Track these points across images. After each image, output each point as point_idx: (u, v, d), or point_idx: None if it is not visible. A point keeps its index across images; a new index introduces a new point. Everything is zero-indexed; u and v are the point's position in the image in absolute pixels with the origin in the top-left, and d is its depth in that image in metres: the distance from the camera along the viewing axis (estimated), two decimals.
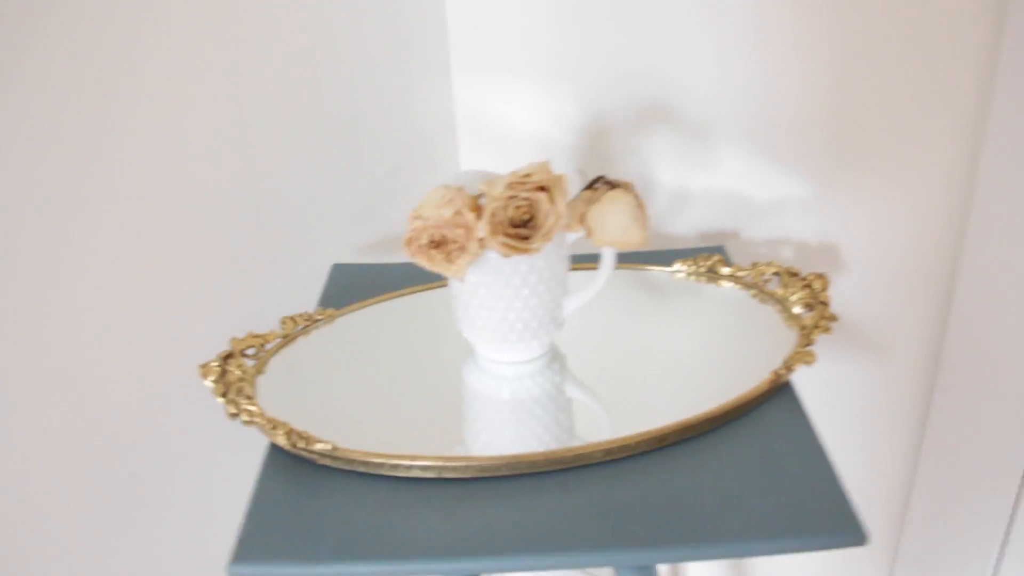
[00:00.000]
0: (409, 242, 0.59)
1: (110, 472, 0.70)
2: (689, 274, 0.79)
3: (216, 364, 0.66)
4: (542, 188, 0.56)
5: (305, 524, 0.57)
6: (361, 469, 0.60)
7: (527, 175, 0.57)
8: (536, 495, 0.58)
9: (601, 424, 0.65)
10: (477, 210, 0.58)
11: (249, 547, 0.55)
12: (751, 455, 0.59)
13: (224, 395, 0.64)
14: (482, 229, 0.56)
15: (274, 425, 0.61)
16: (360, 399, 0.68)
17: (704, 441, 0.61)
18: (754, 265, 0.76)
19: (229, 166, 0.75)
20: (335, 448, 0.60)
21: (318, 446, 0.60)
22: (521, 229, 0.57)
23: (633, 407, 0.67)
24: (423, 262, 0.59)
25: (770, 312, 0.73)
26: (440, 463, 0.59)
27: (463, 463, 0.59)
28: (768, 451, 0.59)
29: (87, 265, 0.65)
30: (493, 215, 0.56)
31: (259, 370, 0.68)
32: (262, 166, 0.78)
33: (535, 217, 0.56)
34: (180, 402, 0.74)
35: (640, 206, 0.61)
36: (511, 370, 0.69)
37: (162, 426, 0.74)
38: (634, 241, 0.60)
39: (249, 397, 0.64)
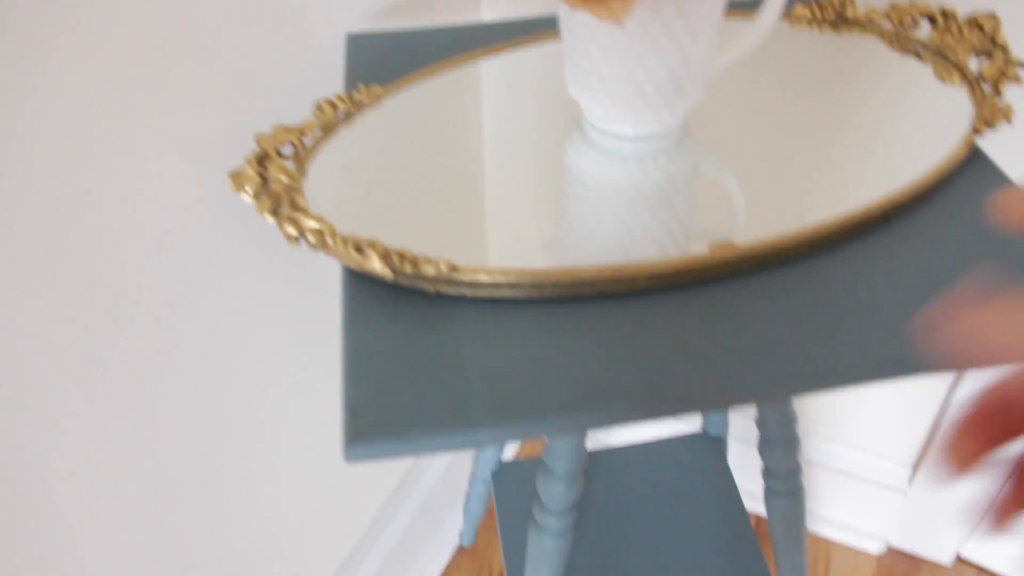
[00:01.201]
0: None
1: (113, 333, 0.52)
2: (811, 21, 0.62)
3: (252, 170, 0.47)
4: None
5: (435, 375, 0.40)
6: (484, 294, 0.43)
7: None
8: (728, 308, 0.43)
9: (745, 218, 0.50)
10: None
11: (369, 418, 0.39)
12: (953, 243, 0.45)
13: (274, 211, 0.45)
14: None
15: (359, 246, 0.43)
16: (434, 197, 0.50)
17: (879, 238, 0.47)
18: (893, 7, 0.60)
19: None
20: (454, 268, 0.43)
21: (428, 268, 0.43)
22: None
23: (776, 198, 0.52)
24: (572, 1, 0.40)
25: (920, 68, 0.58)
26: (620, 274, 0.43)
27: (642, 271, 0.43)
28: (978, 233, 0.46)
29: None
30: None
31: (302, 174, 0.49)
32: None
33: None
34: (197, 227, 0.54)
35: None
36: (630, 147, 0.52)
37: (180, 265, 0.54)
38: None
39: (304, 210, 0.45)
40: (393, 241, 0.44)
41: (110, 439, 0.56)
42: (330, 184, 0.49)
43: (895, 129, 0.55)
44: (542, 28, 0.63)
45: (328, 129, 0.52)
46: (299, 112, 0.61)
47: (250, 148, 0.55)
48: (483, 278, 0.43)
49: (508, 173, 0.53)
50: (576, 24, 0.47)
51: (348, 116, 0.53)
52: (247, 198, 0.46)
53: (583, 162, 0.52)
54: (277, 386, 0.70)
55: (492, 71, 0.59)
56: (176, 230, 0.55)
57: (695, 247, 0.47)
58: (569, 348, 0.41)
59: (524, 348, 0.41)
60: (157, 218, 0.54)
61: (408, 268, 0.42)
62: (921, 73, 0.57)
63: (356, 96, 0.54)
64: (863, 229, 0.47)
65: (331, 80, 0.62)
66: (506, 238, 0.50)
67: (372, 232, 0.45)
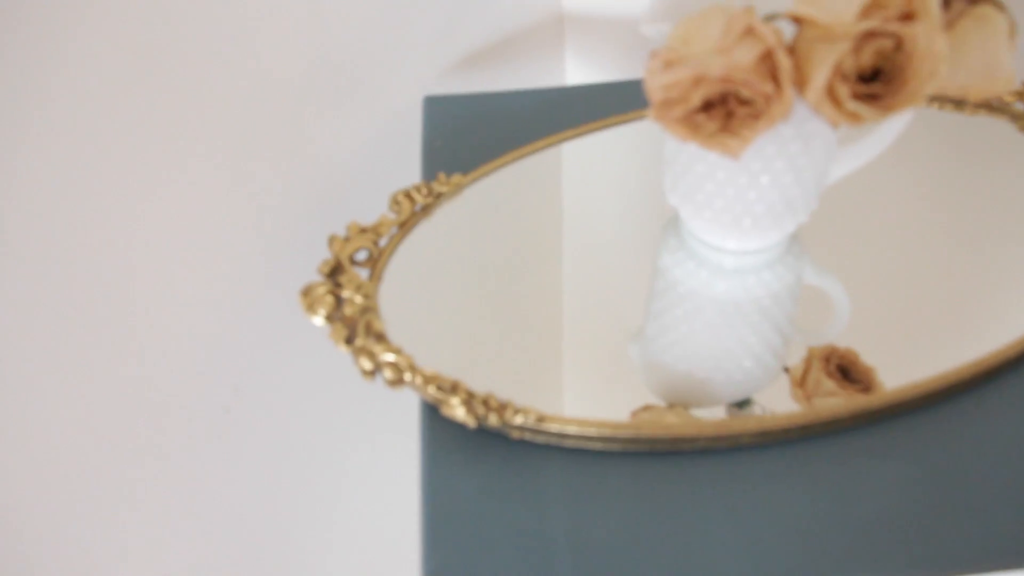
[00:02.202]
0: (664, 106, 0.35)
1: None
2: (934, 98, 0.56)
3: (323, 287, 0.43)
4: (909, 16, 0.32)
5: (519, 541, 0.37)
6: (573, 444, 0.39)
7: None
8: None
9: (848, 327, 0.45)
10: (790, 53, 0.33)
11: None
12: None
13: (348, 340, 0.41)
14: (816, 84, 0.32)
15: (442, 386, 0.39)
16: (514, 304, 0.47)
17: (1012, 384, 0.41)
18: None
19: None
20: (541, 419, 0.39)
21: (517, 418, 0.39)
22: (873, 85, 0.33)
23: (890, 317, 0.47)
24: (680, 133, 0.36)
25: None
26: (723, 430, 0.39)
27: (746, 428, 0.39)
28: None
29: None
30: (840, 64, 0.32)
31: (377, 283, 0.45)
32: None
33: (903, 66, 0.33)
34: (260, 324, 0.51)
35: (1013, 28, 0.37)
36: (732, 261, 0.47)
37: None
38: (1004, 83, 0.37)
39: (381, 337, 0.41)
40: (471, 364, 0.41)
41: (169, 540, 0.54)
42: (406, 293, 0.45)
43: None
44: (630, 95, 0.57)
45: (406, 226, 0.48)
46: (372, 183, 0.57)
47: (319, 237, 0.51)
48: (572, 429, 0.39)
49: (592, 274, 0.49)
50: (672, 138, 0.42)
51: (426, 208, 0.49)
52: (319, 322, 0.42)
53: (680, 271, 0.47)
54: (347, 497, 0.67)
55: (577, 153, 0.54)
56: (238, 327, 0.52)
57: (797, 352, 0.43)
58: (664, 513, 0.37)
59: (615, 511, 0.38)
60: (219, 315, 0.51)
61: (494, 419, 0.38)
62: None
63: (435, 187, 0.49)
64: (995, 374, 0.42)
65: (406, 148, 0.58)
66: (590, 355, 0.46)
67: (449, 351, 0.41)
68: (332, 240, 0.45)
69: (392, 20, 0.56)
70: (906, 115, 0.42)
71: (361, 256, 0.46)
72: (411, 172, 0.55)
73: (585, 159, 0.54)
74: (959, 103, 0.54)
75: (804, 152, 0.40)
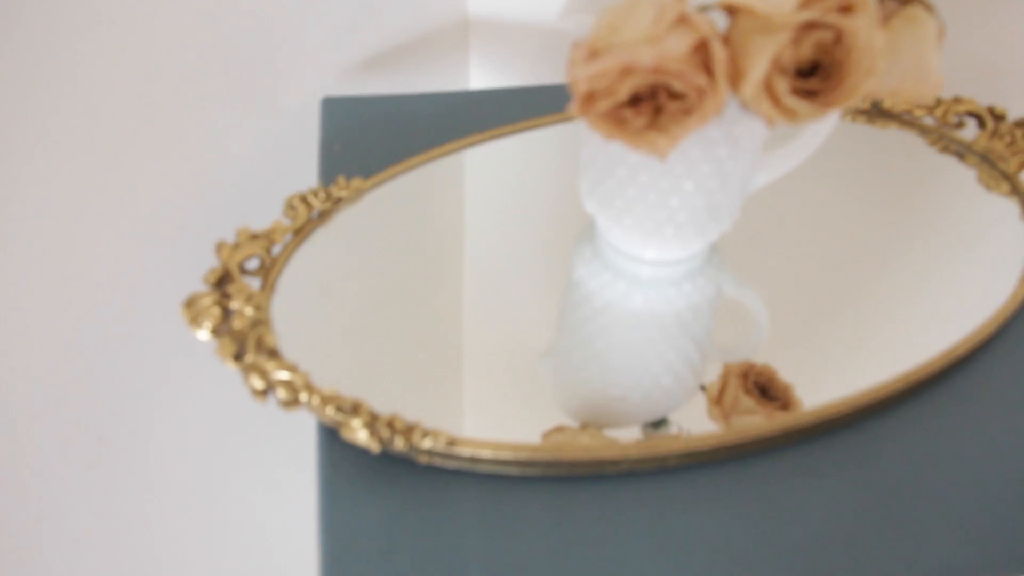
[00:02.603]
0: (588, 99, 0.32)
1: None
2: (845, 111, 0.54)
3: (209, 298, 0.38)
4: (847, 9, 0.30)
5: (428, 565, 0.33)
6: (487, 470, 0.36)
7: None
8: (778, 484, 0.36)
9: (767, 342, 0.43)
10: (724, 44, 0.31)
11: None
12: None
13: (238, 356, 0.37)
14: (753, 77, 0.30)
15: (342, 407, 0.35)
16: (416, 318, 0.43)
17: (934, 397, 0.40)
18: (937, 103, 0.53)
19: None
20: (452, 442, 0.35)
21: (426, 442, 0.35)
22: (811, 80, 0.31)
23: (809, 331, 0.45)
24: (605, 129, 0.33)
25: (965, 172, 0.51)
26: (649, 452, 0.36)
27: (672, 449, 0.36)
28: None
29: None
30: (779, 56, 0.30)
31: (270, 294, 0.41)
32: None
33: (842, 61, 0.30)
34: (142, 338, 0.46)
35: (942, 31, 0.36)
36: (650, 272, 0.44)
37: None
38: (931, 88, 0.36)
39: (274, 353, 0.37)
40: (371, 383, 0.37)
41: None
42: (301, 306, 0.41)
43: (940, 246, 0.48)
44: (537, 100, 0.54)
45: (301, 232, 0.44)
46: (265, 188, 0.52)
47: (206, 244, 0.46)
48: (486, 453, 0.35)
49: (497, 286, 0.46)
50: (600, 139, 0.39)
51: (324, 214, 0.45)
52: (204, 337, 0.37)
53: (595, 283, 0.44)
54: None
55: (482, 159, 0.51)
56: (113, 345, 0.46)
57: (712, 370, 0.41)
58: (588, 541, 0.34)
59: (534, 540, 0.34)
60: (92, 331, 0.45)
61: (400, 443, 0.35)
62: (966, 177, 0.50)
63: (334, 191, 0.45)
64: (921, 387, 0.40)
65: (302, 150, 0.54)
66: (500, 367, 0.43)
67: (348, 369, 0.37)
68: (220, 247, 0.41)
69: (290, 17, 0.51)
70: (834, 118, 0.40)
71: (252, 265, 0.41)
72: (307, 177, 0.51)
73: (490, 166, 0.51)
74: (871, 115, 0.54)
75: (731, 156, 0.38)
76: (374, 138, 0.51)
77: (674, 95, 0.31)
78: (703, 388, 0.43)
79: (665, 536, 0.34)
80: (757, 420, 0.40)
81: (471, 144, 0.50)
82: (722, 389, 0.44)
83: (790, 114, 0.30)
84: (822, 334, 0.45)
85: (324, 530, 0.34)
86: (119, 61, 0.43)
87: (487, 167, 0.51)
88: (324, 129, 0.52)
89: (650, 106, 0.32)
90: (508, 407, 0.42)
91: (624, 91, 0.31)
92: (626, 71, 0.31)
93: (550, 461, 0.35)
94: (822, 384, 0.41)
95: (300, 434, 0.44)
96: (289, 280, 0.41)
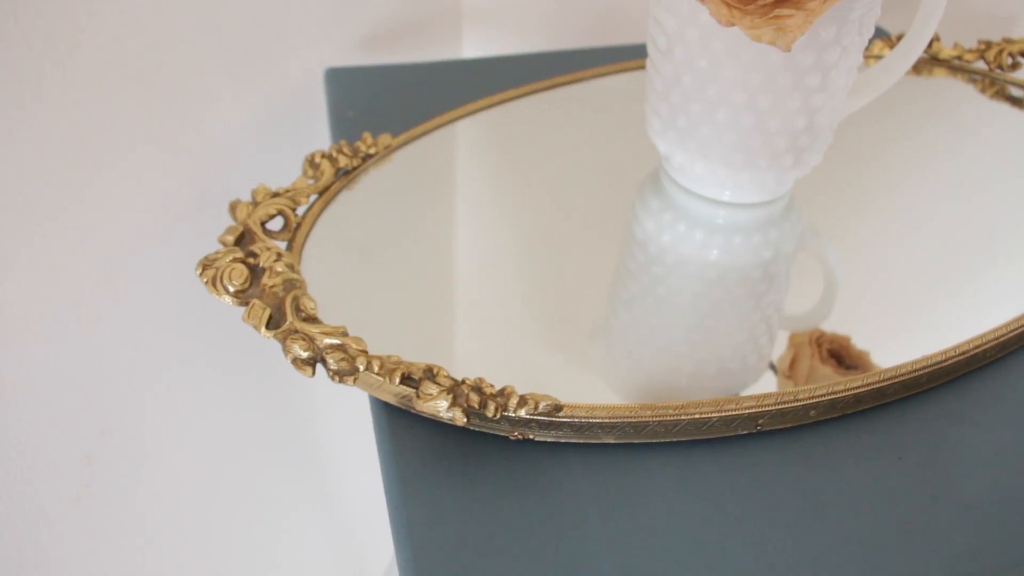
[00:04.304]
0: None
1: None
2: None
3: (231, 257, 0.30)
4: None
5: (540, 551, 0.25)
6: (590, 439, 0.28)
7: None
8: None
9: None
10: None
11: None
12: None
13: (273, 324, 0.28)
14: None
15: (413, 374, 0.27)
16: (461, 282, 0.35)
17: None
18: (988, 45, 0.48)
19: None
20: (556, 408, 0.27)
21: (523, 410, 0.27)
22: None
23: (887, 289, 0.38)
24: (724, 10, 0.26)
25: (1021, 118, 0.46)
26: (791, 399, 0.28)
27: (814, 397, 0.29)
28: None
29: None
30: None
31: (298, 258, 0.33)
32: None
33: None
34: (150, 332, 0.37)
35: None
36: (727, 216, 0.37)
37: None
38: None
39: (315, 319, 0.29)
40: (433, 351, 0.29)
41: None
42: (336, 271, 0.33)
43: (1011, 200, 0.42)
44: (529, 67, 0.48)
45: (327, 193, 0.36)
46: (277, 165, 0.44)
47: (222, 222, 0.38)
48: (601, 418, 0.27)
49: (555, 250, 0.38)
50: (684, 52, 0.33)
51: (351, 173, 0.37)
52: (229, 300, 0.29)
53: (668, 236, 0.37)
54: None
55: (519, 116, 0.44)
56: (125, 326, 0.37)
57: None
58: (725, 512, 0.26)
59: (662, 512, 0.26)
60: (96, 310, 0.36)
61: (492, 410, 0.27)
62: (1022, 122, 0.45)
63: (360, 147, 0.38)
64: (1005, 350, 0.33)
65: (307, 123, 0.46)
66: (568, 336, 0.35)
67: (394, 343, 0.29)
68: (235, 205, 0.33)
69: None
70: (928, 29, 0.34)
71: (275, 226, 0.33)
72: (316, 146, 0.43)
73: (525, 123, 0.44)
74: (918, 64, 0.48)
75: (839, 62, 0.32)
76: (384, 105, 0.44)
77: None
78: (772, 366, 0.36)
79: (817, 498, 0.27)
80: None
81: (506, 100, 0.43)
82: (794, 361, 0.37)
83: None
84: (893, 298, 0.39)
85: (402, 528, 0.26)
86: (121, 34, 0.35)
87: (520, 125, 0.44)
88: (331, 98, 0.44)
89: None
90: (584, 379, 0.34)
91: None
92: None
93: (675, 422, 0.28)
94: (896, 351, 0.34)
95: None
96: (317, 244, 0.33)
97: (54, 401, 0.36)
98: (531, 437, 0.28)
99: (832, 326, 0.36)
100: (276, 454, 0.51)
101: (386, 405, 0.29)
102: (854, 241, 0.40)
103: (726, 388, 0.34)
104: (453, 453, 0.28)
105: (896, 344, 0.34)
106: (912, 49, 0.35)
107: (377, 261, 0.35)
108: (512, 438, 0.28)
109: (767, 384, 0.33)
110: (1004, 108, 0.46)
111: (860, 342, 0.35)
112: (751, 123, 0.33)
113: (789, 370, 0.36)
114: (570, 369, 0.33)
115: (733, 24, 0.27)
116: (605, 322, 0.35)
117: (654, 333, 0.35)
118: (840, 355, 0.37)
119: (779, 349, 0.35)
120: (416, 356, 0.28)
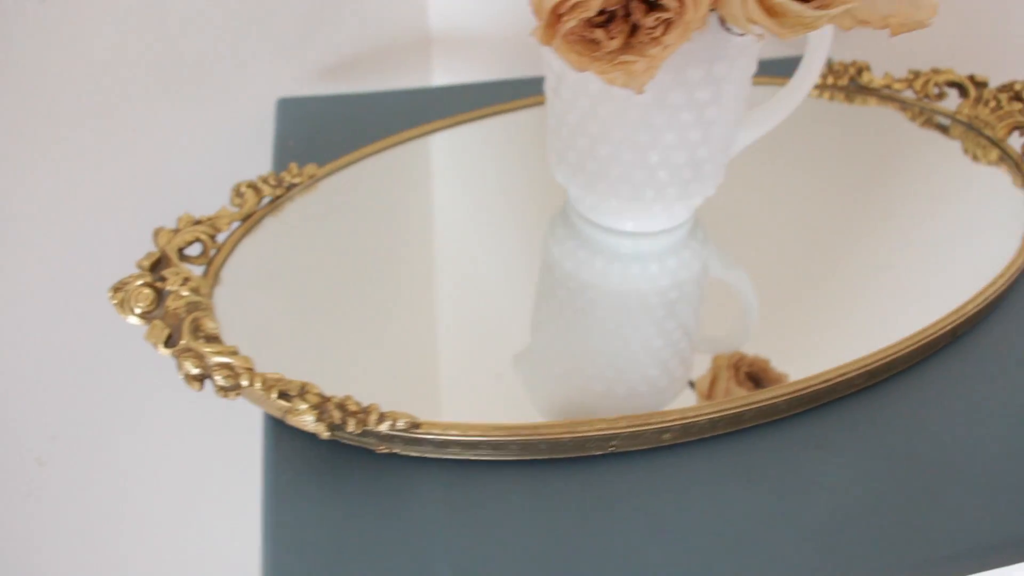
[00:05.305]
0: (554, 17, 0.27)
1: None
2: (822, 89, 0.50)
3: (141, 282, 0.32)
4: None
5: (389, 565, 0.26)
6: (454, 455, 0.30)
7: None
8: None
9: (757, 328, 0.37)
10: None
11: None
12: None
13: (169, 341, 0.31)
14: None
15: (288, 392, 0.29)
16: (378, 308, 0.37)
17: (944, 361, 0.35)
18: (916, 75, 0.49)
19: None
20: (415, 425, 0.29)
21: (384, 425, 0.29)
22: None
23: (798, 305, 0.39)
24: (574, 57, 0.28)
25: (947, 144, 0.46)
26: (640, 425, 0.30)
27: (666, 421, 0.30)
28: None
29: None
30: None
31: (213, 282, 0.35)
32: None
33: None
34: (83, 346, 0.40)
35: None
36: (631, 245, 0.39)
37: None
38: (927, 10, 0.31)
39: (212, 338, 0.31)
40: (330, 371, 0.31)
41: None
42: (249, 296, 0.35)
43: (932, 220, 0.43)
44: (501, 94, 0.50)
45: (249, 220, 0.38)
46: (217, 185, 0.47)
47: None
48: (455, 435, 0.29)
49: (467, 276, 0.40)
50: (569, 91, 0.34)
51: (275, 202, 0.39)
52: (134, 321, 0.31)
53: (571, 263, 0.39)
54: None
55: (446, 146, 0.46)
56: (60, 347, 0.40)
57: (700, 364, 0.35)
58: (573, 529, 0.28)
59: (514, 531, 0.28)
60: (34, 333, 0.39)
61: (352, 425, 0.29)
62: (949, 150, 0.46)
63: (286, 177, 0.40)
64: (928, 352, 0.34)
65: (255, 150, 0.48)
66: (467, 357, 0.36)
67: (299, 363, 0.31)
68: (158, 232, 0.35)
69: (248, 17, 0.47)
70: (825, 45, 0.35)
71: (194, 252, 0.36)
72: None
73: (455, 152, 0.46)
74: (849, 92, 0.49)
75: (714, 100, 0.33)
76: (331, 134, 0.46)
77: (651, 7, 0.26)
78: (692, 385, 0.37)
79: (661, 521, 0.28)
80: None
81: (430, 132, 0.45)
82: (712, 382, 0.38)
83: (781, 17, 0.25)
84: (814, 318, 0.40)
85: (268, 531, 0.28)
86: (76, 56, 0.38)
87: (447, 155, 0.46)
88: (279, 126, 0.46)
89: (624, 24, 0.27)
90: (476, 399, 0.35)
91: (595, 4, 0.26)
92: None
93: (526, 441, 0.30)
94: (816, 371, 0.35)
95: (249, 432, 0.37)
96: (236, 269, 0.36)
97: (5, 405, 0.39)
98: (396, 452, 0.30)
99: (755, 348, 0.37)
100: (221, 462, 0.54)
101: (276, 419, 0.31)
102: (778, 265, 0.41)
103: (639, 407, 0.35)
104: (325, 464, 0.30)
105: (816, 366, 0.35)
106: (800, 86, 0.36)
107: (291, 285, 0.37)
108: (378, 452, 0.30)
109: (686, 402, 0.35)
110: (932, 135, 0.47)
111: (780, 364, 0.36)
112: (631, 158, 0.34)
113: (708, 391, 0.37)
114: (491, 390, 0.35)
115: (586, 70, 0.28)
116: (528, 344, 0.37)
117: (564, 355, 0.36)
118: (758, 377, 0.38)
119: (704, 370, 0.36)
120: (322, 377, 0.30)
